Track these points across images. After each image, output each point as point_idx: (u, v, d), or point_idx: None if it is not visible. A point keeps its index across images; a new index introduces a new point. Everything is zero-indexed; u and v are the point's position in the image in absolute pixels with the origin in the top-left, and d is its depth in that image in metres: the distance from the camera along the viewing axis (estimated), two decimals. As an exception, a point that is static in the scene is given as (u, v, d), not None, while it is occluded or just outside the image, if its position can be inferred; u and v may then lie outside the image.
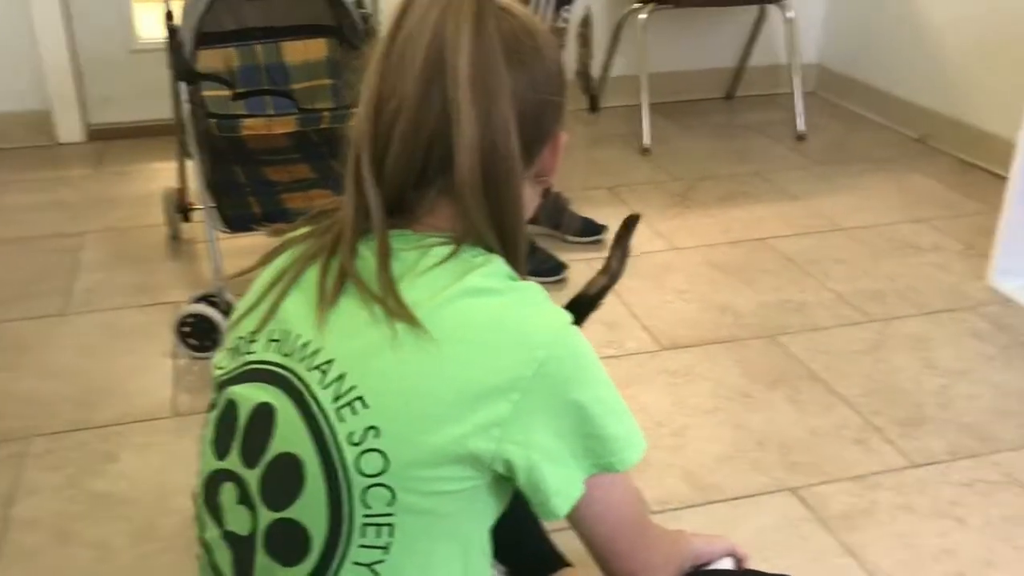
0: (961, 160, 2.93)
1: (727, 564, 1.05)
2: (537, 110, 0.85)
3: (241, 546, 0.85)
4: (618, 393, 0.85)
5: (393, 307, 0.79)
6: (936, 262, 2.32)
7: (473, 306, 0.80)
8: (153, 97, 2.73)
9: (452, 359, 0.78)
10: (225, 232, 1.97)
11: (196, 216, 2.25)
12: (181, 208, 2.29)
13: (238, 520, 0.85)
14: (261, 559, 0.83)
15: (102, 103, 3.05)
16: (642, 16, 3.02)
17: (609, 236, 2.38)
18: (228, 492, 0.85)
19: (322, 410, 0.80)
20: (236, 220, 1.98)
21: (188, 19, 1.92)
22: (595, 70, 3.31)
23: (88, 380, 1.84)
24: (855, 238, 2.44)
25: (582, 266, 2.20)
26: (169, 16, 1.95)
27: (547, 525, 1.18)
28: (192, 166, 1.99)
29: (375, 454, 0.78)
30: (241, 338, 0.89)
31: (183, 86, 1.90)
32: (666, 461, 1.61)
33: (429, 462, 0.78)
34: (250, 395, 0.85)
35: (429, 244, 0.83)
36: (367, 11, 2.04)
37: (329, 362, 0.81)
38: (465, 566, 0.84)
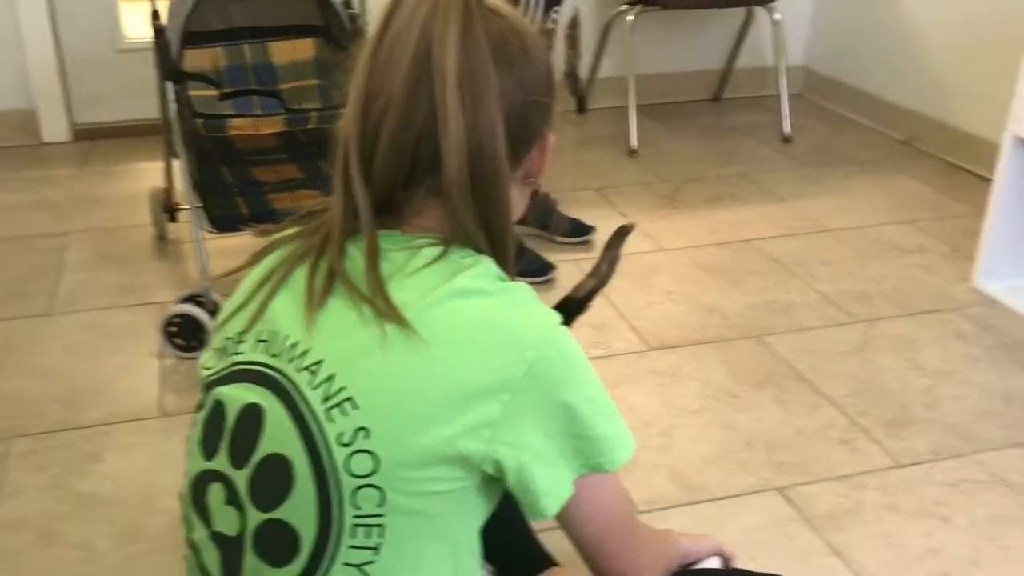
0: (946, 162, 2.95)
1: (714, 563, 1.06)
2: (525, 111, 0.85)
3: (229, 547, 0.85)
4: (607, 394, 0.85)
5: (382, 308, 0.79)
6: (921, 264, 2.33)
7: (462, 307, 0.80)
8: (139, 97, 2.72)
9: (441, 360, 0.78)
10: (212, 232, 1.97)
11: (182, 216, 2.24)
12: (167, 208, 2.28)
13: (226, 521, 0.85)
14: (250, 560, 0.83)
15: (88, 102, 3.04)
16: (630, 18, 3.02)
17: (597, 237, 2.39)
18: (216, 493, 0.85)
19: (311, 411, 0.80)
20: (223, 220, 1.98)
21: (174, 18, 1.91)
22: (583, 71, 3.31)
23: (74, 380, 1.83)
24: (841, 240, 2.46)
25: (570, 267, 2.20)
26: (155, 15, 1.95)
27: (535, 525, 1.18)
28: (179, 166, 1.98)
29: (365, 455, 0.78)
30: (229, 339, 0.88)
31: (170, 86, 1.89)
32: (654, 461, 1.62)
33: (419, 463, 0.78)
34: (238, 396, 0.85)
35: (418, 245, 0.83)
36: (355, 11, 2.04)
37: (318, 363, 0.81)
38: (455, 567, 0.84)
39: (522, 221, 0.96)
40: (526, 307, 0.83)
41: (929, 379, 1.86)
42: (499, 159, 0.82)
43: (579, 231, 2.39)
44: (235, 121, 1.88)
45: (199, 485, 0.87)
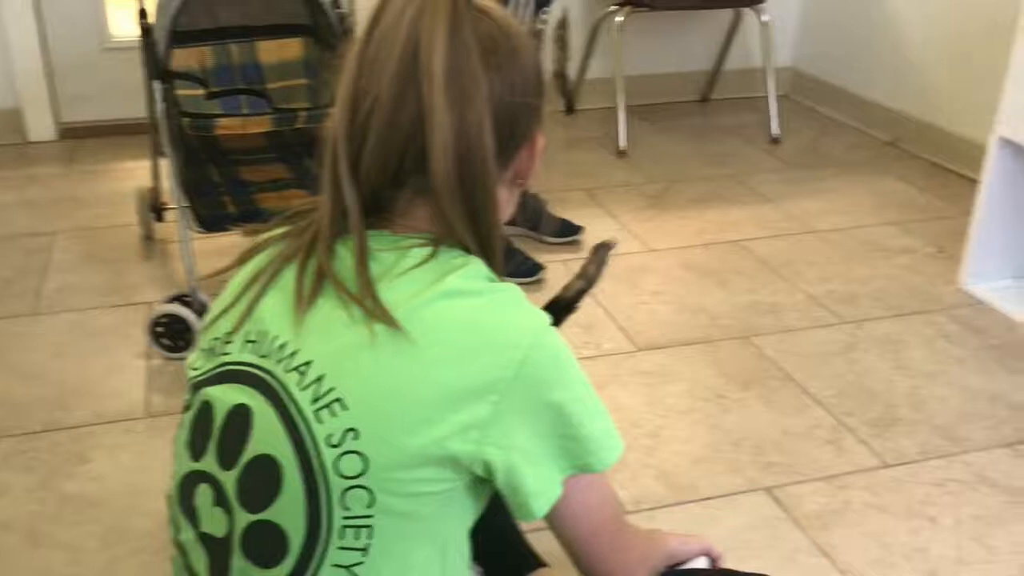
0: (933, 163, 2.97)
1: (702, 563, 1.06)
2: (513, 113, 0.85)
3: (217, 548, 0.84)
4: (596, 394, 0.85)
5: (372, 308, 0.79)
6: (908, 265, 2.34)
7: (452, 307, 0.80)
8: (126, 96, 2.71)
9: (431, 361, 0.78)
10: (199, 232, 1.96)
11: (169, 216, 2.23)
12: (154, 208, 2.27)
13: (214, 522, 0.84)
14: (237, 561, 0.83)
15: (74, 101, 3.02)
16: (618, 19, 3.03)
17: (586, 237, 2.39)
18: (204, 494, 0.85)
19: (300, 412, 0.80)
20: (210, 220, 1.97)
21: (162, 17, 1.90)
22: (572, 72, 3.32)
23: (60, 381, 1.82)
24: (828, 241, 2.47)
25: (559, 267, 2.21)
26: (142, 14, 1.94)
27: (524, 525, 1.18)
28: (166, 165, 1.98)
29: (354, 456, 0.78)
30: (216, 339, 0.88)
31: (157, 85, 1.89)
32: (642, 461, 1.62)
33: (408, 464, 0.78)
34: (226, 396, 0.84)
35: (408, 246, 0.83)
36: (343, 10, 2.04)
37: (307, 363, 0.80)
38: (443, 567, 0.84)
39: (511, 222, 0.96)
40: (516, 308, 0.83)
41: (915, 380, 1.87)
42: (486, 160, 0.82)
43: (568, 231, 2.39)
44: (223, 121, 1.87)
45: (186, 486, 0.87)
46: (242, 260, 0.91)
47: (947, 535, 1.47)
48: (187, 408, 0.90)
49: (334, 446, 0.78)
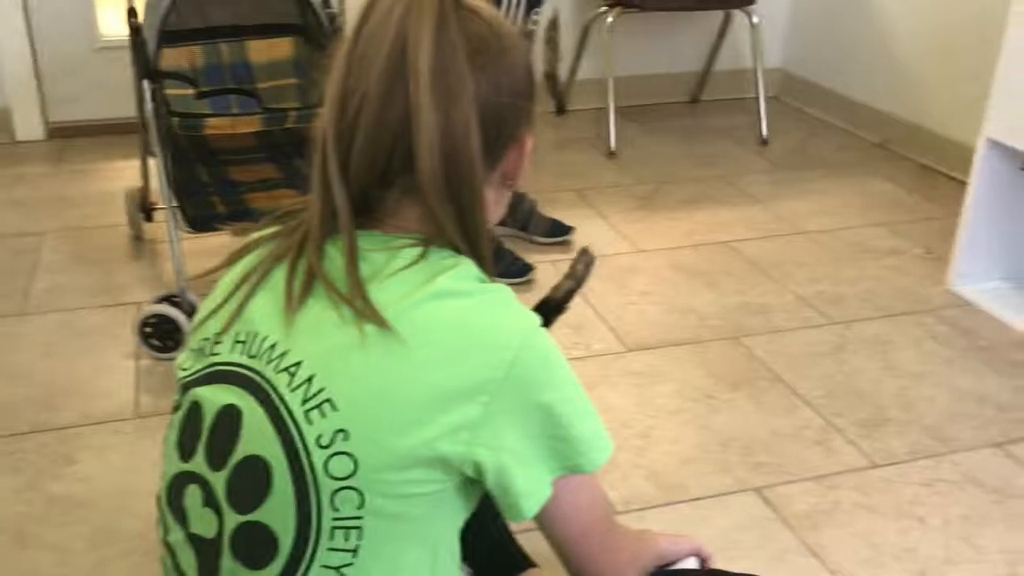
0: (921, 165, 2.98)
1: (692, 564, 1.06)
2: (500, 113, 0.84)
3: (206, 549, 0.84)
4: (586, 395, 0.85)
5: (362, 309, 0.79)
6: (896, 266, 2.35)
7: (442, 308, 0.80)
8: (115, 95, 2.71)
9: (421, 361, 0.78)
10: (188, 232, 1.96)
11: (159, 216, 2.23)
12: (144, 208, 2.27)
13: (203, 523, 0.84)
14: (227, 562, 0.83)
15: (63, 101, 3.01)
16: (609, 20, 3.03)
17: (576, 237, 2.39)
18: (193, 494, 0.85)
19: (290, 412, 0.79)
20: (199, 220, 1.97)
21: (151, 16, 1.90)
22: (562, 73, 3.32)
23: (48, 381, 1.81)
24: (817, 241, 2.47)
25: (549, 268, 2.21)
26: (132, 13, 1.93)
27: (513, 526, 1.18)
28: (155, 165, 1.97)
29: (344, 457, 0.78)
30: (206, 339, 0.88)
31: (146, 84, 1.88)
32: (631, 462, 1.62)
33: (398, 465, 0.78)
34: (216, 397, 0.84)
35: (398, 246, 0.83)
36: (333, 10, 2.03)
37: (297, 364, 0.80)
38: (433, 568, 0.84)
39: (500, 222, 0.96)
40: (506, 309, 0.83)
41: (904, 380, 1.88)
42: (473, 160, 0.82)
43: (558, 231, 2.40)
44: (212, 120, 1.86)
45: (176, 487, 0.87)
46: (232, 260, 0.90)
47: (935, 535, 1.48)
48: (176, 409, 0.89)
49: (324, 447, 0.78)
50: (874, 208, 2.68)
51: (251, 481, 0.81)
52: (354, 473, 0.78)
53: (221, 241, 1.94)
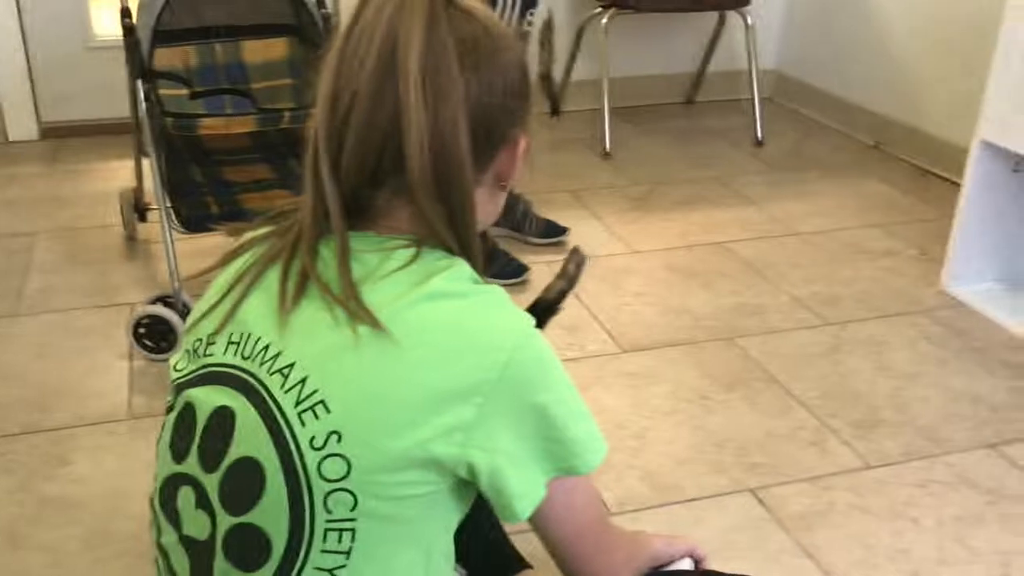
0: (916, 166, 2.98)
1: (686, 564, 1.06)
2: (492, 113, 0.84)
3: (199, 551, 0.84)
4: (580, 396, 0.85)
5: (355, 310, 0.79)
6: (891, 267, 2.35)
7: (436, 309, 0.80)
8: (109, 95, 2.70)
9: (415, 363, 0.78)
10: (182, 233, 1.95)
11: (153, 216, 2.22)
12: (137, 208, 2.26)
13: (196, 525, 0.84)
14: (220, 564, 0.82)
15: (57, 100, 3.00)
16: (603, 21, 3.03)
17: (571, 238, 2.39)
18: (186, 496, 0.84)
19: (283, 414, 0.79)
20: (193, 220, 1.96)
21: (145, 16, 1.89)
22: (557, 74, 3.32)
23: (41, 382, 1.80)
24: (811, 243, 2.48)
25: (544, 268, 2.21)
26: (126, 13, 1.93)
27: (508, 527, 1.18)
28: (149, 165, 1.96)
29: (337, 459, 0.77)
30: (199, 340, 0.87)
31: (140, 84, 1.87)
32: (626, 462, 1.62)
33: (391, 467, 0.78)
34: (209, 398, 0.84)
35: (391, 247, 0.83)
36: (328, 10, 2.03)
37: (290, 365, 0.80)
38: (427, 570, 0.84)
39: (495, 222, 0.95)
40: (500, 310, 0.83)
41: (898, 381, 1.88)
42: (462, 160, 0.82)
43: (553, 232, 2.40)
44: (206, 120, 1.86)
45: (169, 488, 0.86)
46: (225, 261, 0.90)
47: (929, 536, 1.48)
48: (170, 410, 0.89)
49: (317, 449, 0.78)
50: (869, 209, 2.69)
51: (244, 483, 0.80)
52: (347, 475, 0.77)
53: (215, 241, 1.93)
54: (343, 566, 0.80)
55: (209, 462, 0.83)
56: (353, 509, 0.78)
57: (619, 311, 2.11)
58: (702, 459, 1.64)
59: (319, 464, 0.78)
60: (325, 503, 0.78)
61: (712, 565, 1.09)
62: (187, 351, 0.89)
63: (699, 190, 2.79)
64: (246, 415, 0.81)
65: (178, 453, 0.86)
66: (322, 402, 0.78)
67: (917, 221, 2.61)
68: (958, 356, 1.98)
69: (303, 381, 0.79)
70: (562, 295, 1.26)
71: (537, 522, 0.87)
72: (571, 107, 3.33)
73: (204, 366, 0.86)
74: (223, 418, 0.82)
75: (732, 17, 3.31)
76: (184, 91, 2.00)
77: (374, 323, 0.78)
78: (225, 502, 0.81)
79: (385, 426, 0.77)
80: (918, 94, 2.99)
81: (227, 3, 2.05)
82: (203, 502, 0.83)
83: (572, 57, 3.29)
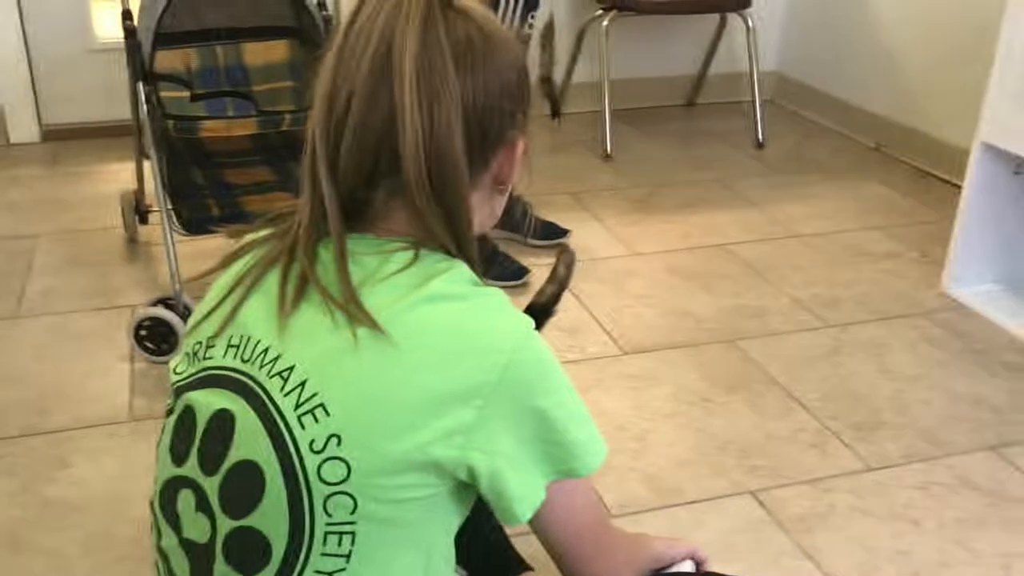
0: (916, 168, 2.98)
1: (687, 567, 1.06)
2: (488, 115, 0.84)
3: (199, 554, 0.84)
4: (580, 398, 0.85)
5: (354, 313, 0.79)
6: (891, 269, 2.35)
7: (435, 312, 0.80)
8: (110, 97, 2.70)
9: (414, 366, 0.78)
10: (183, 235, 1.95)
11: (153, 218, 2.22)
12: (138, 210, 2.26)
13: (196, 528, 0.84)
14: (220, 568, 0.82)
15: (58, 103, 3.00)
16: (604, 23, 3.03)
17: (572, 240, 2.39)
18: (186, 499, 0.84)
19: (283, 417, 0.79)
20: (194, 223, 1.96)
21: (146, 19, 1.89)
22: (557, 76, 3.32)
23: (42, 384, 1.80)
24: (812, 245, 2.48)
25: (544, 270, 2.20)
26: (127, 15, 1.93)
27: (508, 529, 1.18)
28: (150, 167, 1.96)
29: (337, 462, 0.77)
30: (199, 343, 0.87)
31: (141, 86, 1.88)
32: (627, 465, 1.62)
33: (391, 470, 0.78)
34: (209, 401, 0.84)
35: (391, 249, 0.83)
36: (329, 13, 2.03)
37: (290, 368, 0.80)
38: (426, 573, 0.84)
39: (494, 224, 0.95)
40: (499, 312, 0.83)
41: (899, 383, 1.88)
42: (456, 162, 0.81)
43: (554, 234, 2.40)
44: (207, 123, 1.86)
45: (169, 491, 0.86)
46: (225, 263, 0.90)
47: (930, 538, 1.48)
48: (169, 412, 0.89)
49: (317, 452, 0.78)
50: (869, 211, 2.69)
51: (244, 486, 0.80)
52: (347, 478, 0.77)
53: (216, 244, 1.92)
54: (343, 569, 0.80)
55: (209, 465, 0.83)
56: (353, 512, 0.78)
57: (620, 313, 2.11)
58: (703, 461, 1.64)
59: (319, 467, 0.78)
60: (325, 506, 0.78)
61: (713, 567, 1.09)
62: (187, 354, 0.89)
63: (700, 192, 2.79)
64: (246, 418, 0.81)
65: (178, 456, 0.86)
66: (322, 405, 0.78)
67: (917, 223, 2.61)
68: (959, 358, 1.97)
69: (303, 384, 0.79)
70: (554, 298, 1.25)
71: (537, 524, 0.87)
72: (572, 109, 3.33)
73: (204, 369, 0.86)
74: (223, 421, 0.82)
75: (733, 19, 3.31)
76: (185, 93, 2.00)
77: (373, 326, 0.78)
78: (225, 505, 0.81)
79: (384, 429, 0.77)
80: (918, 96, 2.99)
81: (228, 5, 2.05)
82: (203, 505, 0.83)
83: (573, 59, 3.29)
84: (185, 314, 1.86)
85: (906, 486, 1.59)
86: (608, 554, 0.94)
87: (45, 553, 1.41)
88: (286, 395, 0.79)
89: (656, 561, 1.03)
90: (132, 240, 2.36)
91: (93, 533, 1.44)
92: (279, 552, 0.80)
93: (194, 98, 2.02)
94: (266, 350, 0.82)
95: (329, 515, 0.78)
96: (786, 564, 1.42)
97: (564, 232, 2.40)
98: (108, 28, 2.93)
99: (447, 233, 0.83)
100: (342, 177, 0.82)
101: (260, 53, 2.09)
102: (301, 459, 0.78)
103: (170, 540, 0.87)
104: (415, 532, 0.82)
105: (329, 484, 0.78)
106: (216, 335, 0.86)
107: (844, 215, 2.65)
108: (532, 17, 2.22)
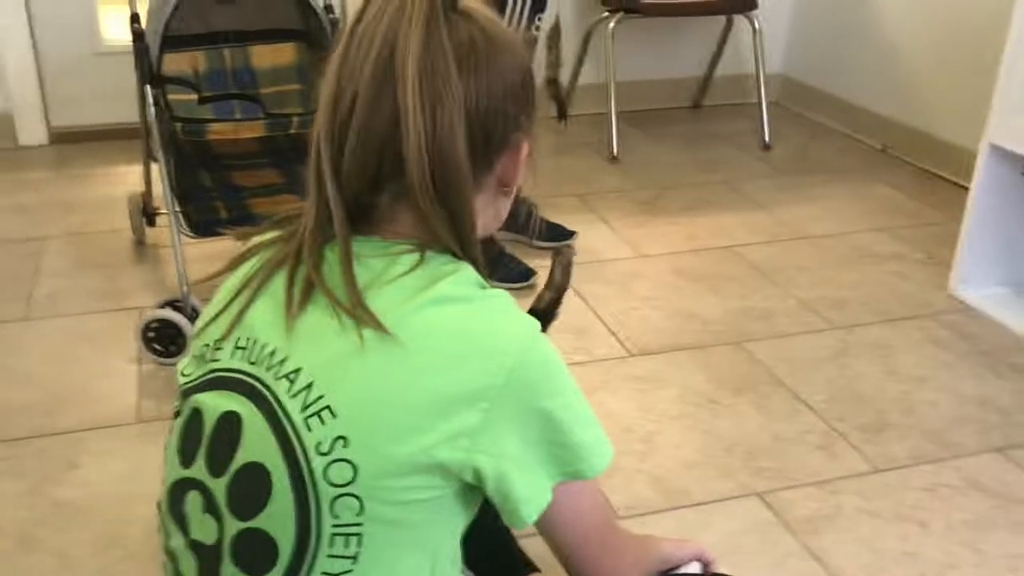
0: (922, 170, 2.98)
1: (695, 568, 1.06)
2: (491, 118, 0.84)
3: (207, 555, 0.84)
4: (585, 400, 0.85)
5: (361, 315, 0.79)
6: (898, 271, 2.35)
7: (441, 314, 0.80)
8: (118, 100, 2.71)
9: (420, 368, 0.78)
10: (191, 237, 1.96)
11: (161, 221, 2.23)
12: (146, 212, 2.27)
13: (204, 529, 0.84)
14: (228, 569, 0.83)
15: (66, 105, 3.02)
16: (610, 25, 3.04)
17: (578, 242, 2.40)
18: (194, 501, 0.85)
19: (289, 419, 0.79)
20: (202, 225, 1.97)
21: (154, 22, 1.90)
22: (564, 78, 3.32)
23: (50, 386, 1.81)
24: (819, 246, 2.47)
25: (550, 273, 2.21)
26: (135, 19, 1.94)
27: (515, 530, 1.18)
28: (158, 170, 1.97)
29: (343, 464, 0.78)
30: (207, 345, 0.88)
31: (149, 89, 1.88)
32: (634, 467, 1.62)
33: (397, 472, 0.78)
34: (216, 403, 0.84)
35: (397, 252, 0.83)
36: (336, 15, 2.04)
37: (297, 371, 0.80)
38: (433, 574, 0.84)
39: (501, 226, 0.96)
40: (505, 314, 0.83)
41: (906, 385, 1.88)
42: (460, 164, 0.81)
43: (559, 236, 2.40)
44: (215, 126, 1.87)
45: (176, 493, 0.87)
46: (233, 265, 0.90)
47: (937, 540, 1.48)
48: (177, 415, 0.89)
49: (323, 454, 0.78)
50: (875, 213, 2.68)
51: (251, 488, 0.81)
52: (353, 480, 0.78)
53: (224, 246, 1.94)
54: (350, 571, 0.80)
55: (216, 467, 0.83)
56: (359, 514, 0.78)
57: (626, 315, 2.11)
58: (710, 463, 1.64)
59: (325, 469, 0.78)
60: (332, 508, 0.78)
61: (720, 569, 1.09)
62: (194, 356, 0.89)
63: (706, 194, 2.79)
64: (253, 420, 0.81)
65: (186, 458, 0.86)
66: (328, 407, 0.78)
67: (924, 225, 2.60)
68: (966, 360, 1.97)
69: (309, 386, 0.79)
70: (554, 303, 1.25)
71: (543, 526, 0.88)
72: (578, 111, 3.33)
73: (211, 371, 0.86)
74: (230, 423, 0.82)
75: (739, 21, 3.31)
76: (193, 96, 2.01)
77: (380, 328, 0.78)
78: (232, 507, 0.82)
79: (390, 431, 0.77)
80: (925, 98, 2.98)
81: (236, 8, 2.06)
82: (211, 507, 0.83)
83: (579, 61, 3.29)
84: (193, 316, 1.86)
85: (913, 488, 1.59)
86: (615, 555, 0.94)
87: (54, 553, 1.41)
88: (293, 397, 0.80)
89: (663, 562, 1.03)
90: (140, 242, 2.37)
91: (101, 534, 1.45)
92: (286, 553, 0.80)
93: (202, 101, 2.03)
94: (273, 352, 0.82)
95: (336, 517, 0.78)
96: (793, 565, 1.42)
97: (570, 234, 2.40)
98: (115, 31, 2.95)
99: (451, 235, 0.83)
100: (346, 180, 0.82)
101: (267, 56, 2.10)
102: (308, 461, 0.78)
103: (178, 541, 0.87)
104: (421, 534, 0.82)
105: (336, 486, 0.78)
106: (223, 337, 0.86)
107: (850, 217, 2.65)
108: (539, 19, 2.22)
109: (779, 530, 1.49)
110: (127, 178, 2.66)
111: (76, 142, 3.01)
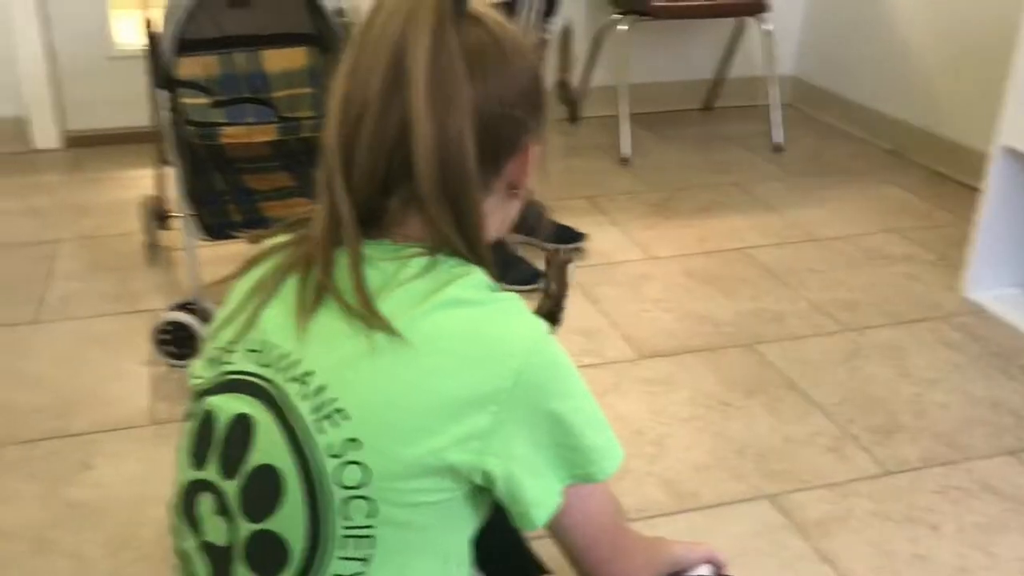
0: (934, 172, 2.97)
1: (705, 571, 1.06)
2: (500, 122, 0.84)
3: (219, 557, 0.85)
4: (595, 403, 0.85)
5: (371, 318, 0.79)
6: (909, 272, 2.34)
7: (452, 317, 0.80)
8: (131, 104, 2.72)
9: (430, 371, 0.79)
10: (204, 240, 1.97)
11: (174, 224, 2.24)
12: (159, 216, 2.28)
13: (216, 531, 0.85)
14: (240, 570, 0.83)
15: (79, 109, 3.04)
16: (622, 27, 3.04)
17: (589, 244, 2.40)
18: (206, 503, 0.85)
19: (302, 422, 0.80)
20: (215, 228, 1.98)
21: (168, 26, 1.91)
22: (575, 81, 3.32)
23: (64, 388, 1.82)
24: (830, 248, 2.47)
25: (561, 275, 2.21)
26: (148, 23, 1.95)
27: (526, 532, 1.18)
28: (171, 173, 1.98)
29: (355, 466, 0.78)
30: (219, 348, 0.88)
31: (162, 93, 1.89)
32: (644, 469, 1.62)
33: (408, 474, 0.78)
34: (228, 406, 0.85)
35: (407, 255, 0.83)
36: (347, 19, 2.05)
37: (309, 374, 0.81)
38: (444, 576, 0.84)
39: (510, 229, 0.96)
40: (515, 317, 0.83)
41: (917, 387, 1.87)
42: (468, 168, 0.82)
43: (570, 238, 2.40)
44: (228, 129, 1.88)
45: (189, 495, 0.87)
46: (246, 268, 0.91)
47: (949, 543, 1.47)
48: (190, 417, 0.90)
49: (335, 456, 0.78)
50: (887, 215, 2.68)
51: (263, 490, 0.81)
52: (365, 482, 0.78)
53: (236, 249, 1.95)
54: (361, 573, 0.80)
55: (229, 469, 0.83)
56: (371, 516, 0.79)
57: (637, 317, 2.11)
58: (720, 466, 1.64)
59: (337, 471, 0.78)
60: (343, 510, 0.79)
61: (731, 571, 1.09)
62: (207, 359, 0.90)
63: (717, 196, 2.79)
64: (265, 423, 0.82)
65: (198, 460, 0.86)
66: (340, 410, 0.79)
67: (935, 226, 2.60)
68: (977, 362, 1.96)
69: (321, 389, 0.80)
70: (554, 312, 1.24)
71: (554, 529, 0.88)
72: (589, 113, 3.33)
73: (224, 374, 0.87)
74: (242, 426, 0.83)
75: (750, 24, 3.31)
76: (206, 100, 2.02)
77: (390, 331, 0.78)
78: (244, 509, 0.82)
79: (401, 434, 0.78)
80: (936, 99, 2.98)
81: (249, 13, 2.07)
82: (223, 509, 0.84)
83: (590, 64, 3.29)
84: (206, 319, 1.87)
85: (925, 490, 1.59)
86: (626, 557, 0.94)
87: (68, 555, 1.42)
88: (305, 400, 0.80)
89: (674, 565, 1.03)
90: (153, 245, 2.38)
91: (115, 535, 1.46)
92: (298, 555, 0.80)
93: (215, 105, 2.04)
94: (285, 355, 0.83)
95: (347, 519, 0.79)
96: (803, 568, 1.42)
97: (580, 236, 2.41)
98: (129, 35, 2.96)
99: (460, 238, 0.84)
100: (357, 184, 0.83)
101: (280, 60, 2.11)
102: (319, 463, 0.79)
103: (190, 543, 0.88)
104: (432, 536, 0.82)
105: (347, 488, 0.78)
106: (236, 340, 0.87)
107: (862, 218, 2.65)
108: (550, 22, 2.22)
109: (790, 533, 1.49)
110: (140, 182, 2.67)
111: (89, 146, 3.03)
